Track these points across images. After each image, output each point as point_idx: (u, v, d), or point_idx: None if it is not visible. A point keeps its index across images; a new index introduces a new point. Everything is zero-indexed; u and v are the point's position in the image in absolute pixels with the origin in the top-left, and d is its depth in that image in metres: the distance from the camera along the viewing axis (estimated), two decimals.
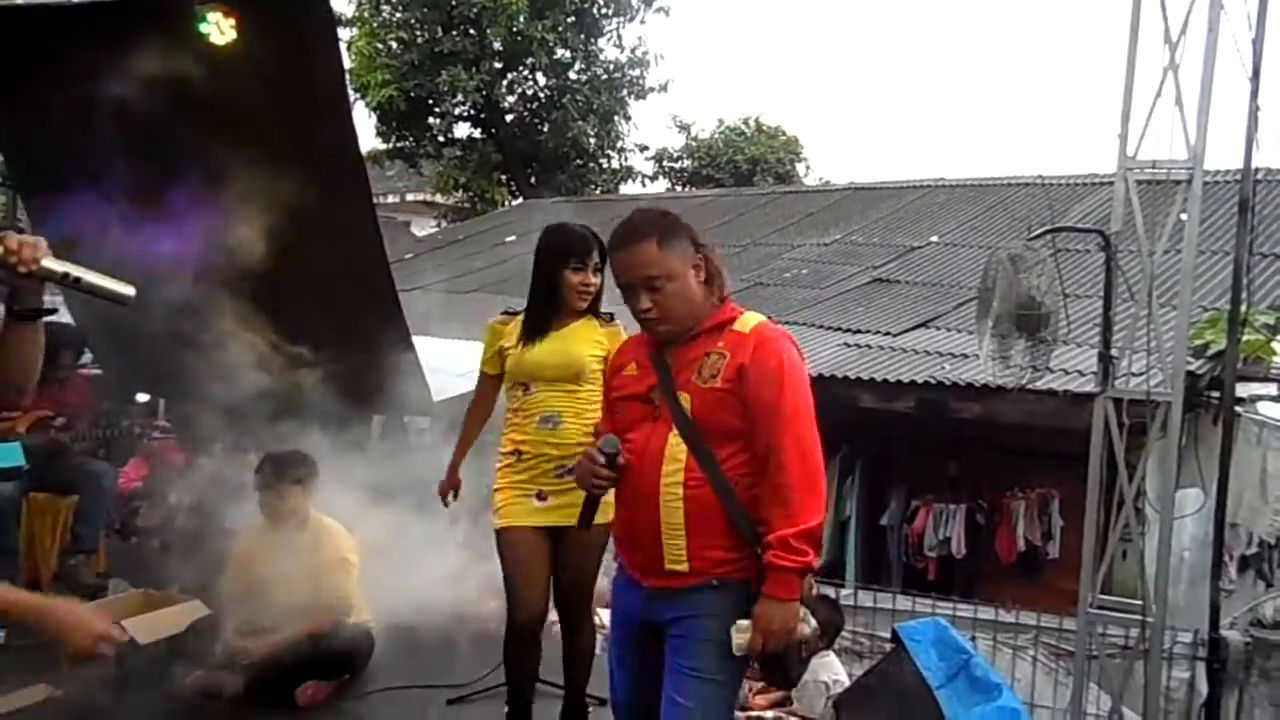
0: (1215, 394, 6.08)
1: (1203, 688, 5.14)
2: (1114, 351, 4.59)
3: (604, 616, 4.85)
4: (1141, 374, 4.60)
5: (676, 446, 2.16)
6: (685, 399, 2.16)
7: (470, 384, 3.34)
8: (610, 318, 3.13)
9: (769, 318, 2.29)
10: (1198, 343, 6.55)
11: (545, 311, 3.07)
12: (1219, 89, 4.25)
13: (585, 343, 3.06)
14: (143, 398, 7.53)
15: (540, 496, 3.01)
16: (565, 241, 3.06)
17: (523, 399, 3.06)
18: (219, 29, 4.25)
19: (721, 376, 2.14)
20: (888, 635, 3.70)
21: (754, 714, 4.24)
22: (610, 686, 2.45)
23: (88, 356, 6.46)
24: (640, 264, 2.18)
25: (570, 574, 3.07)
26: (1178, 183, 4.44)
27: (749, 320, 2.23)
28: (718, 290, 2.26)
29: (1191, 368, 5.94)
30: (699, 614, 2.17)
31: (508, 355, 3.09)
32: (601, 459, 2.19)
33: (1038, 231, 5.09)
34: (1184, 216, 4.43)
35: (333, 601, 3.81)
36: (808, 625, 2.16)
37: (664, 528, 2.17)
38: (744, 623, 2.12)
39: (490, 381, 3.20)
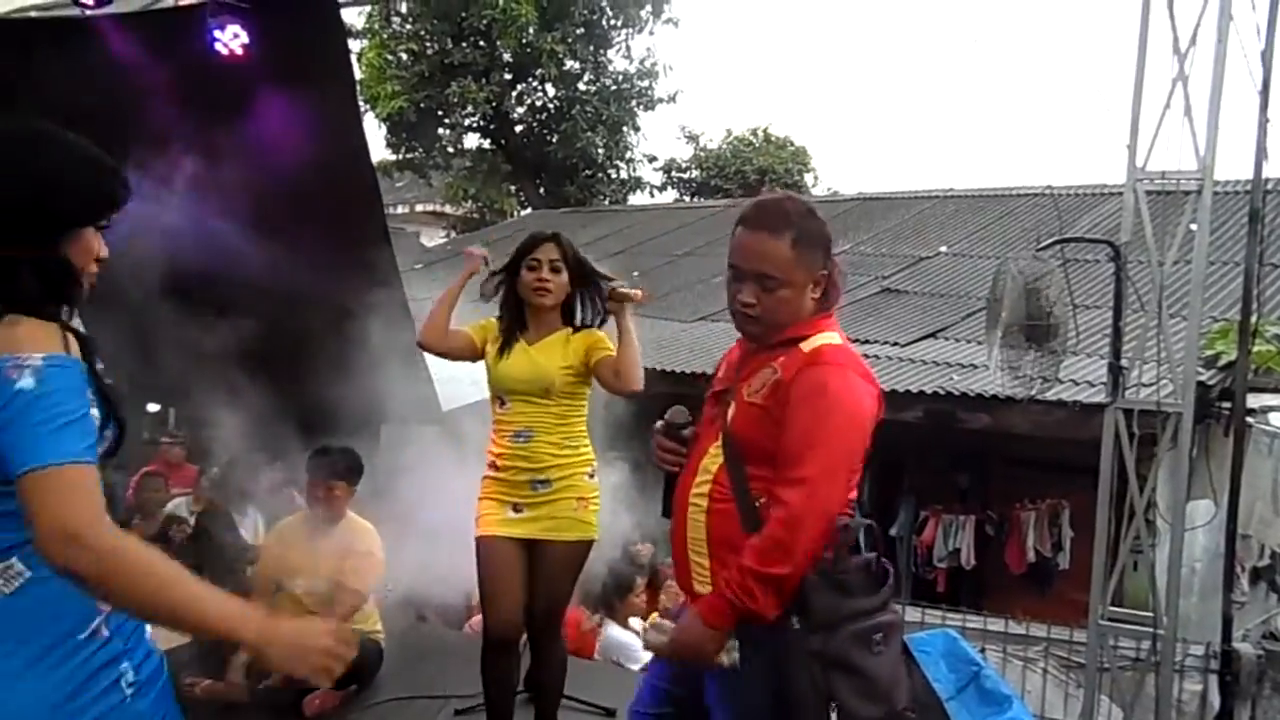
0: (1226, 405, 6.05)
1: (1215, 700, 5.09)
2: (1124, 362, 4.57)
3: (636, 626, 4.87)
4: (1152, 384, 4.58)
5: (713, 458, 1.99)
6: (731, 410, 1.98)
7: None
8: (587, 327, 3.11)
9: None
10: (1208, 353, 6.53)
11: (513, 323, 3.08)
12: (1228, 100, 4.24)
13: (556, 356, 3.04)
14: (153, 407, 7.57)
15: (516, 508, 3.03)
16: (520, 247, 3.07)
17: (499, 413, 3.08)
18: (232, 41, 4.29)
19: (763, 393, 1.93)
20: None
21: None
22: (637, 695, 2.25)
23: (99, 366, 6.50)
24: (762, 256, 1.93)
25: (541, 591, 3.05)
26: (1187, 193, 4.43)
27: (816, 340, 1.97)
28: (827, 306, 2.02)
29: (1202, 378, 5.92)
30: (720, 680, 1.94)
31: (488, 355, 3.10)
32: (661, 428, 2.03)
33: (1047, 242, 5.08)
34: (1194, 227, 4.41)
35: (346, 587, 3.83)
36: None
37: (689, 543, 2.00)
38: (665, 623, 2.05)
39: (462, 333, 3.13)
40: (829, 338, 1.98)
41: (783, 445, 1.89)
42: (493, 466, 3.08)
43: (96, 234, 1.43)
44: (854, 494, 2.00)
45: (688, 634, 1.91)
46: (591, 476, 3.10)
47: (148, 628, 1.41)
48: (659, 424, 2.06)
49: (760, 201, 2.05)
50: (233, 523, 5.12)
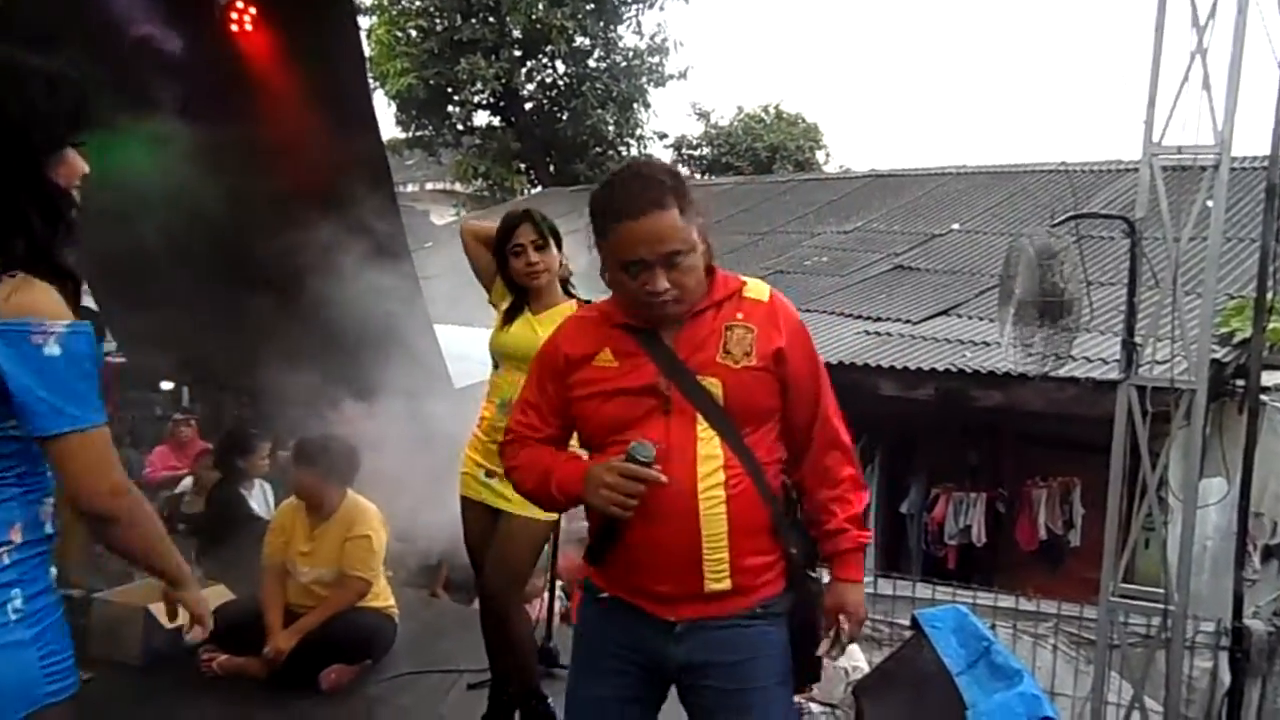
0: (1240, 382, 6.02)
1: (1225, 677, 5.10)
2: (1138, 339, 4.56)
3: None
4: (1166, 362, 4.55)
5: (709, 442, 1.81)
6: (714, 384, 1.82)
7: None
8: (587, 303, 3.11)
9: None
10: (1223, 330, 6.49)
11: (518, 297, 3.10)
12: (1247, 74, 4.19)
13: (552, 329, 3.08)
14: (167, 385, 7.61)
15: (488, 474, 3.04)
16: (497, 237, 3.06)
17: (493, 376, 3.12)
18: (243, 20, 4.28)
19: (756, 354, 1.83)
20: (907, 623, 3.69)
21: None
22: None
23: (111, 344, 6.54)
24: (661, 237, 1.77)
25: (494, 557, 3.03)
26: (1204, 169, 4.39)
27: (759, 287, 1.92)
28: (709, 257, 1.89)
29: (1216, 355, 5.89)
30: (755, 656, 1.88)
31: (497, 314, 3.12)
32: (632, 471, 1.75)
33: (1061, 218, 5.05)
34: (1210, 203, 4.37)
35: (348, 574, 3.86)
36: None
37: (705, 540, 1.81)
38: (838, 633, 1.96)
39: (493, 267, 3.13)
40: (757, 280, 1.95)
41: (803, 395, 1.90)
42: (478, 426, 3.12)
43: (75, 152, 1.50)
44: None
45: (858, 604, 1.97)
46: None
47: (52, 569, 1.53)
48: (618, 461, 1.77)
49: (625, 186, 1.82)
50: (242, 497, 5.15)
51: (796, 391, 1.89)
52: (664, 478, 1.76)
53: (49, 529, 1.54)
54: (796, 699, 3.45)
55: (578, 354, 1.91)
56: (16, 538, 1.47)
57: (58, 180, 1.46)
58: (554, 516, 3.10)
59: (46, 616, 1.48)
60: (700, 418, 1.82)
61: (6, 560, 1.45)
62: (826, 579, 2.01)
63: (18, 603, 1.44)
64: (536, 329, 3.01)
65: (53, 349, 1.38)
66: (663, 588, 1.85)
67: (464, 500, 3.12)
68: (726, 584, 1.83)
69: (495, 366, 3.12)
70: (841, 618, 1.94)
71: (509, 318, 3.08)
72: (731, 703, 1.87)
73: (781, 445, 1.92)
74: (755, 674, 1.87)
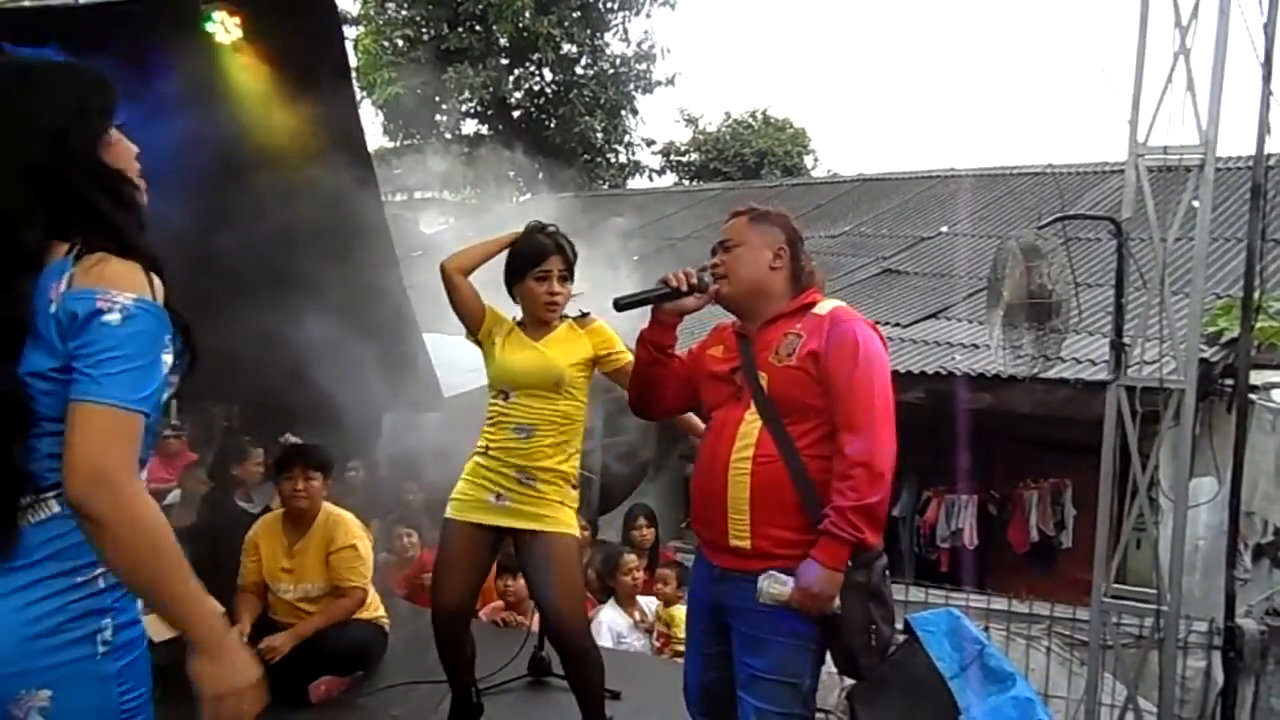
0: (1229, 381, 6.05)
1: (1219, 677, 5.11)
2: (1126, 339, 4.56)
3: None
4: (1154, 362, 4.57)
5: (750, 423, 2.24)
6: (764, 378, 2.25)
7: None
8: (584, 315, 3.08)
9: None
10: (1211, 330, 6.51)
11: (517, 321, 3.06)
12: (1230, 74, 4.21)
13: (566, 352, 3.01)
14: None
15: (498, 497, 3.00)
16: (524, 254, 3.00)
17: (502, 406, 3.02)
18: (224, 28, 4.25)
19: (796, 355, 2.22)
20: (900, 627, 3.69)
21: None
22: (686, 666, 2.49)
23: None
24: (726, 230, 2.41)
25: (550, 583, 2.95)
26: (1189, 169, 4.41)
27: (827, 304, 2.31)
28: (801, 285, 2.38)
29: (1205, 355, 5.91)
30: (772, 611, 2.17)
31: (494, 344, 3.04)
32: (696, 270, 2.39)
33: (1049, 220, 5.06)
34: (1196, 203, 4.39)
35: (343, 585, 3.83)
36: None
37: (730, 502, 2.23)
38: (783, 576, 2.14)
39: (478, 297, 3.06)
40: (836, 301, 2.34)
41: (835, 397, 2.17)
42: (483, 453, 3.05)
43: (123, 141, 1.48)
44: None
45: (818, 581, 2.11)
46: (575, 488, 3.09)
47: (139, 602, 1.41)
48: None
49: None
50: (236, 509, 5.12)
51: (831, 387, 2.18)
52: (692, 280, 2.40)
53: None
54: None
55: (707, 344, 2.49)
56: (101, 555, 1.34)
57: (115, 164, 1.45)
58: (577, 535, 3.09)
59: (132, 650, 1.40)
60: (753, 404, 2.25)
61: (102, 584, 1.35)
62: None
63: (108, 634, 1.35)
64: (544, 352, 3.00)
65: (112, 316, 1.31)
66: (706, 534, 2.32)
67: (452, 523, 3.06)
68: (747, 543, 2.21)
69: (506, 395, 3.01)
70: (773, 583, 2.16)
71: (509, 342, 3.02)
72: (748, 647, 2.21)
73: (830, 444, 2.19)
74: (770, 626, 2.17)
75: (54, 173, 1.37)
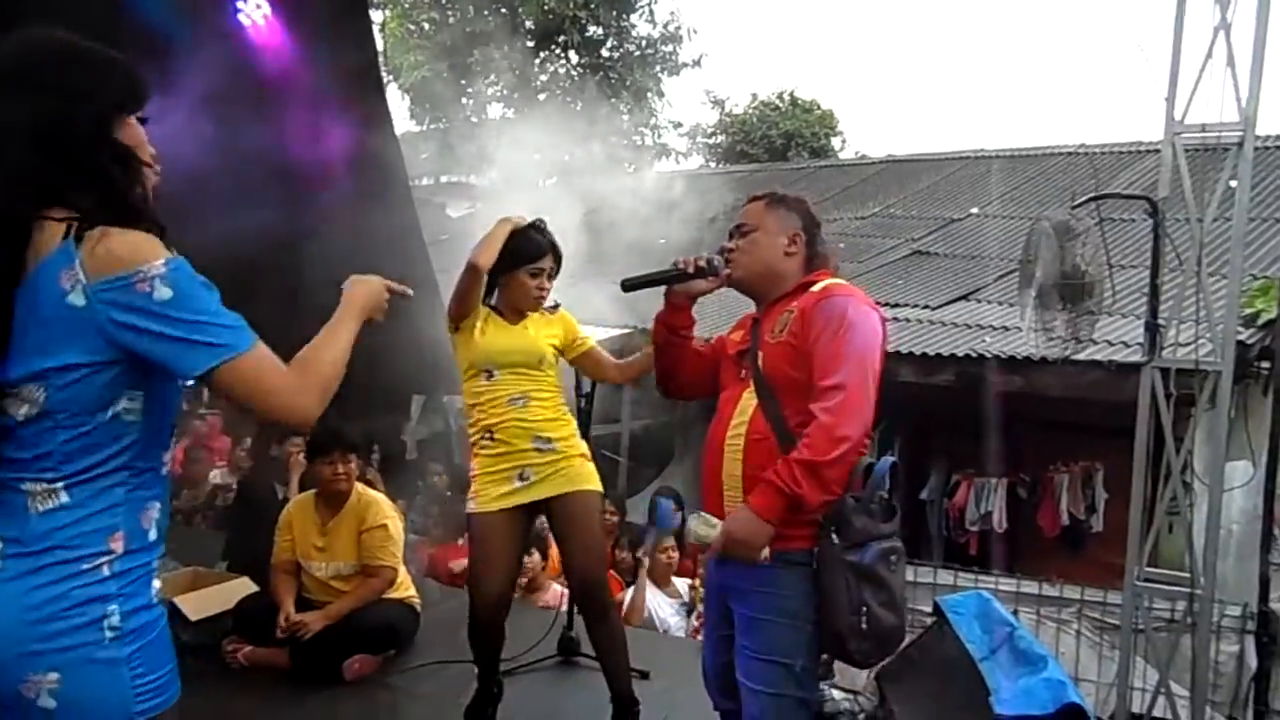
0: (1265, 364, 5.94)
1: (1252, 661, 5.05)
2: (1161, 321, 4.49)
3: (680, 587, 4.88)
4: (1189, 344, 4.49)
5: (748, 401, 2.26)
6: (761, 357, 2.26)
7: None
8: (555, 306, 3.26)
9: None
10: (1248, 311, 6.40)
11: (491, 304, 3.18)
12: (1272, 49, 4.11)
13: (542, 335, 3.18)
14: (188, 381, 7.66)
15: (522, 477, 3.07)
16: (521, 250, 3.11)
17: (487, 384, 3.10)
18: (254, 13, 4.28)
19: (788, 330, 2.22)
20: (929, 609, 3.68)
21: None
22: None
23: None
24: (743, 215, 2.40)
25: (577, 548, 3.09)
26: (1227, 148, 4.32)
27: (823, 284, 2.28)
28: (815, 268, 2.36)
29: (1241, 337, 5.81)
30: (762, 590, 2.16)
31: (474, 329, 3.12)
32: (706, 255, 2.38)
33: (1082, 199, 4.98)
34: (1234, 183, 4.30)
35: (374, 564, 3.88)
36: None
37: (725, 479, 2.25)
38: (714, 520, 2.15)
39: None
40: (837, 280, 2.31)
41: (814, 365, 2.14)
42: (488, 437, 3.09)
43: (139, 127, 1.47)
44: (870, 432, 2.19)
45: (741, 525, 2.09)
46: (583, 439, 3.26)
47: (155, 582, 1.44)
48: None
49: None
50: (272, 489, 5.20)
51: (811, 358, 2.15)
52: (699, 264, 2.38)
53: (154, 535, 1.44)
54: (822, 685, 3.45)
55: (732, 331, 2.48)
56: (118, 547, 1.38)
57: (128, 142, 1.44)
58: (600, 489, 3.19)
59: (145, 635, 1.39)
60: (753, 383, 2.26)
61: (106, 572, 1.36)
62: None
63: (114, 619, 1.36)
64: (525, 333, 3.15)
65: (163, 292, 1.30)
66: (708, 509, 2.27)
67: (479, 517, 3.11)
68: None
69: (489, 374, 3.10)
70: (702, 525, 2.16)
71: (486, 326, 3.13)
72: (744, 627, 2.20)
73: None
74: (764, 606, 2.16)
75: (61, 127, 1.36)
